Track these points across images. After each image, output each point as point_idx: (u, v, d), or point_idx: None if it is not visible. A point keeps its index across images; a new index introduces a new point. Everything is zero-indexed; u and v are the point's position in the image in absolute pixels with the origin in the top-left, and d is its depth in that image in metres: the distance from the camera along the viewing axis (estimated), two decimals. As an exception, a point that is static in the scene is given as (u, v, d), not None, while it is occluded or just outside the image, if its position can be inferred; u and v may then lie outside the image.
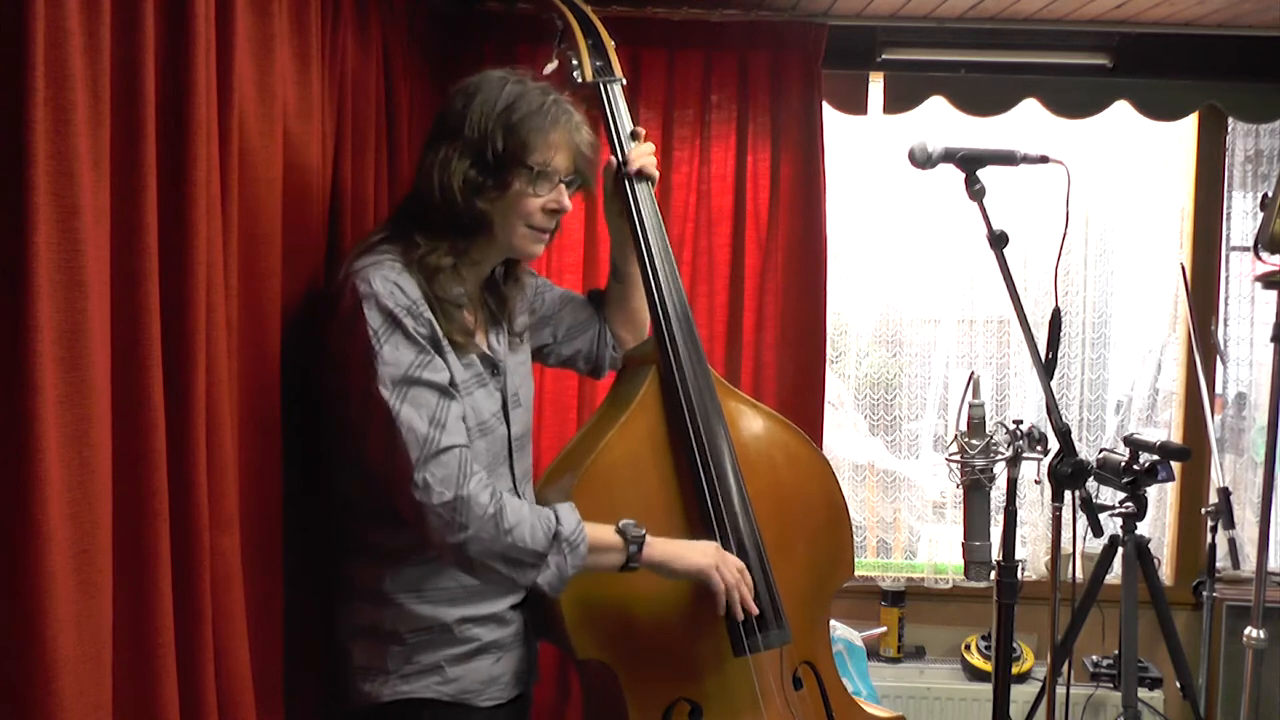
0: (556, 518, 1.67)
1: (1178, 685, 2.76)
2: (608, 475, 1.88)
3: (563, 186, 1.76)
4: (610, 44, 2.05)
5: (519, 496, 1.83)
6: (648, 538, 1.74)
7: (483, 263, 1.81)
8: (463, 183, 1.69)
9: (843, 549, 2.13)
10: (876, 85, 3.14)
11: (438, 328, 1.66)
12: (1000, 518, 2.11)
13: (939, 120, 3.13)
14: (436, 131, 1.76)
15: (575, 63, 2.02)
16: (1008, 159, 2.07)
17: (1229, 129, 3.30)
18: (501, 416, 1.80)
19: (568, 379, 2.95)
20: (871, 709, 2.16)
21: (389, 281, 1.63)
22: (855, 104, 3.13)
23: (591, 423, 2.04)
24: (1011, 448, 2.10)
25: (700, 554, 1.80)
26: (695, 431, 1.90)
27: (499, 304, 1.87)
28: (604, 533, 1.72)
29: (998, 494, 2.13)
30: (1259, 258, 2.16)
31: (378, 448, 1.63)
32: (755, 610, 1.85)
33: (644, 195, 1.99)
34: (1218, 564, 2.95)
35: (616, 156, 2.00)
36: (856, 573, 3.33)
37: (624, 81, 2.05)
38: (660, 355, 1.95)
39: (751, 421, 2.05)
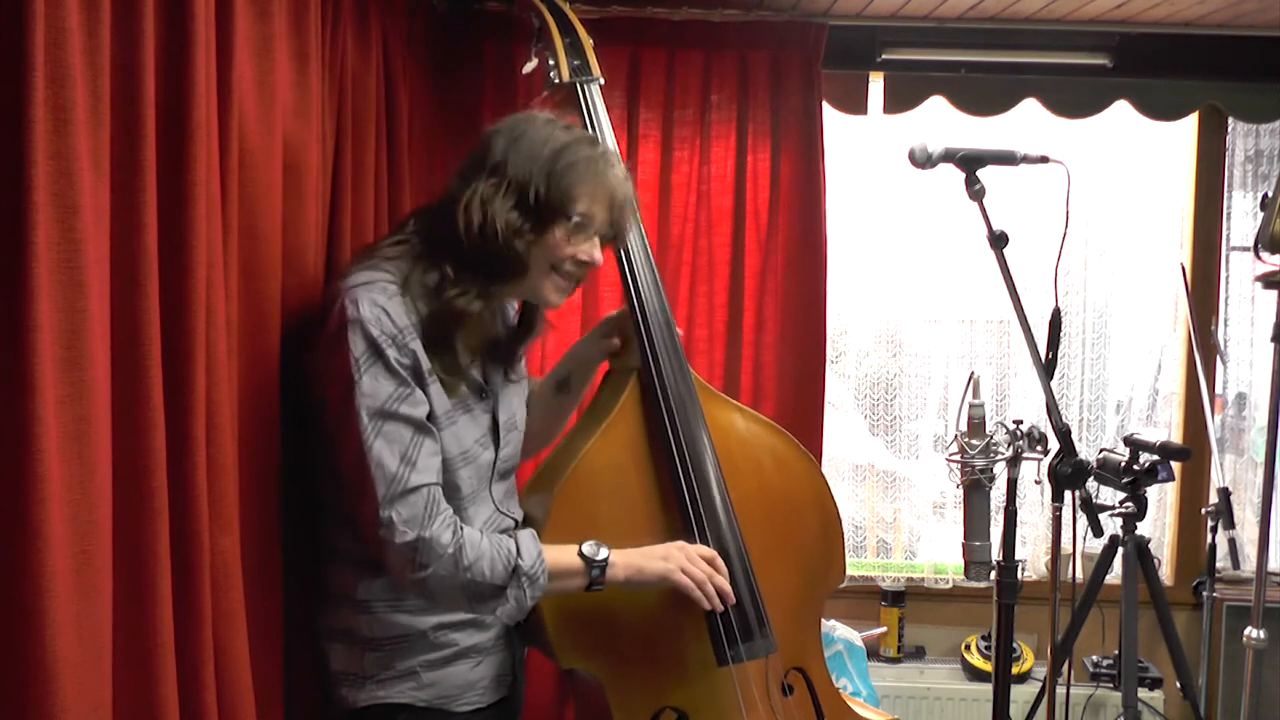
0: (517, 550, 1.66)
1: (1178, 685, 2.76)
2: (589, 484, 1.86)
3: (596, 240, 1.73)
4: (589, 43, 2.03)
5: (506, 516, 1.82)
6: (610, 559, 1.72)
7: (505, 304, 1.80)
8: (505, 224, 1.64)
9: (834, 553, 2.11)
10: (876, 85, 3.14)
11: (421, 359, 1.63)
12: (1000, 518, 2.11)
13: (939, 120, 3.13)
14: (474, 166, 1.71)
15: (552, 62, 2.00)
16: (1008, 159, 2.07)
17: (1229, 129, 3.30)
18: (488, 441, 1.78)
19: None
20: (867, 711, 2.15)
21: (377, 307, 1.60)
22: (855, 104, 3.13)
23: (573, 432, 2.03)
24: (1011, 448, 2.10)
25: (659, 560, 1.77)
26: (676, 438, 1.89)
27: (503, 352, 1.84)
28: (566, 557, 1.71)
29: (998, 494, 2.13)
30: (1259, 258, 2.16)
31: (349, 473, 1.63)
32: (734, 599, 1.83)
33: None
34: (1218, 564, 2.96)
35: None
36: (857, 573, 3.37)
37: (602, 81, 2.03)
38: (641, 361, 1.93)
39: (737, 427, 2.03)
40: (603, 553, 1.72)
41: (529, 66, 2.05)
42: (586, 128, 1.98)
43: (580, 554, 1.71)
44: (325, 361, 1.64)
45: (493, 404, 1.80)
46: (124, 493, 1.20)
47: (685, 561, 1.78)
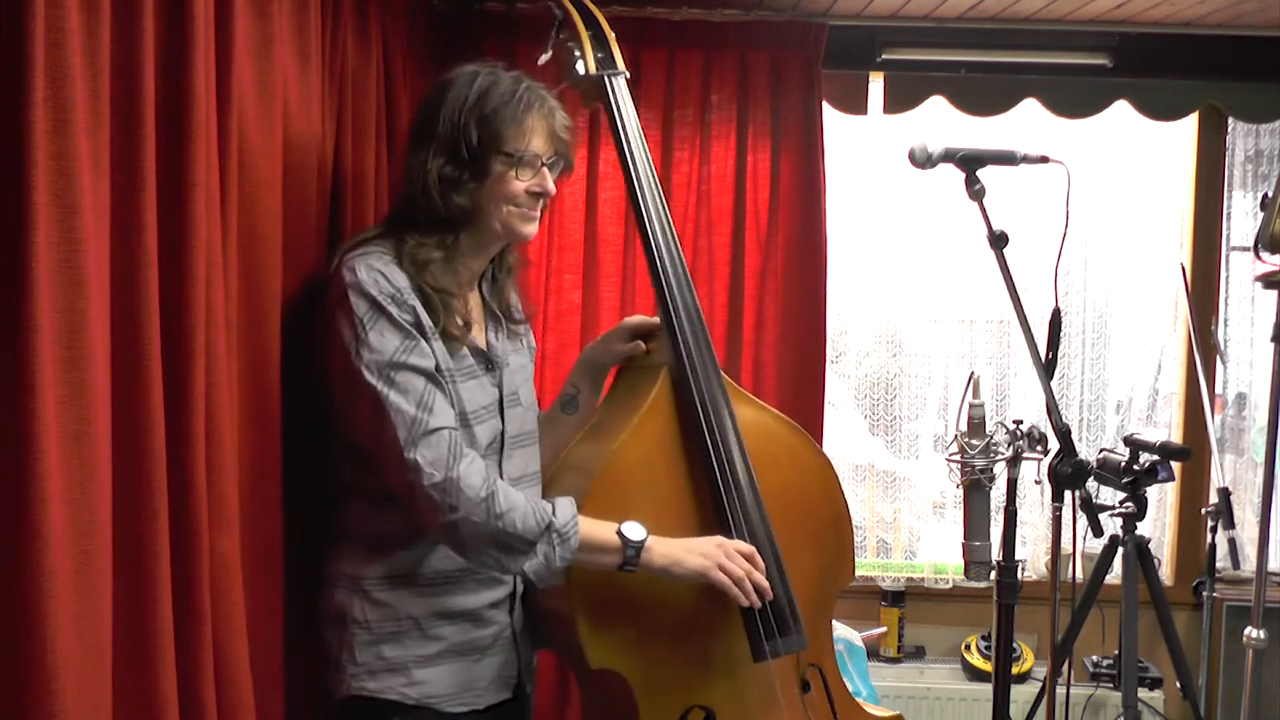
0: (553, 509, 1.68)
1: (1178, 685, 2.76)
2: (621, 479, 1.85)
3: (545, 170, 1.78)
4: (611, 35, 2.01)
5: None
6: (648, 543, 1.72)
7: (477, 255, 1.81)
8: (438, 180, 1.71)
9: (846, 550, 2.11)
10: (876, 85, 3.14)
11: (423, 316, 1.68)
12: (1000, 518, 2.11)
13: (939, 120, 3.13)
14: (414, 134, 1.78)
15: (577, 54, 1.97)
16: (1008, 159, 2.07)
17: (1229, 129, 3.30)
18: (495, 411, 1.80)
19: (568, 366, 2.92)
20: (871, 710, 2.15)
21: (374, 270, 1.66)
22: (855, 104, 3.13)
23: (598, 425, 2.00)
24: (1011, 448, 2.10)
25: (699, 556, 1.77)
26: (710, 433, 1.88)
27: (496, 298, 1.88)
28: (603, 532, 1.72)
29: (998, 494, 2.13)
30: (1259, 258, 2.16)
31: (366, 432, 1.66)
32: (771, 595, 1.83)
33: (650, 191, 1.96)
34: (1218, 564, 2.96)
35: (622, 150, 1.96)
36: (857, 572, 3.35)
37: (627, 74, 2.01)
38: (674, 357, 1.92)
39: (757, 422, 2.02)
40: (640, 534, 1.72)
41: (544, 58, 2.03)
42: (613, 121, 1.97)
43: (618, 532, 1.72)
44: (328, 330, 1.68)
45: (499, 376, 1.82)
46: (123, 492, 1.20)
47: (723, 558, 1.78)
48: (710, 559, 1.78)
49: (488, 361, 1.80)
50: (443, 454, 1.62)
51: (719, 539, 1.82)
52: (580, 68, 1.97)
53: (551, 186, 1.79)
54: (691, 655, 1.88)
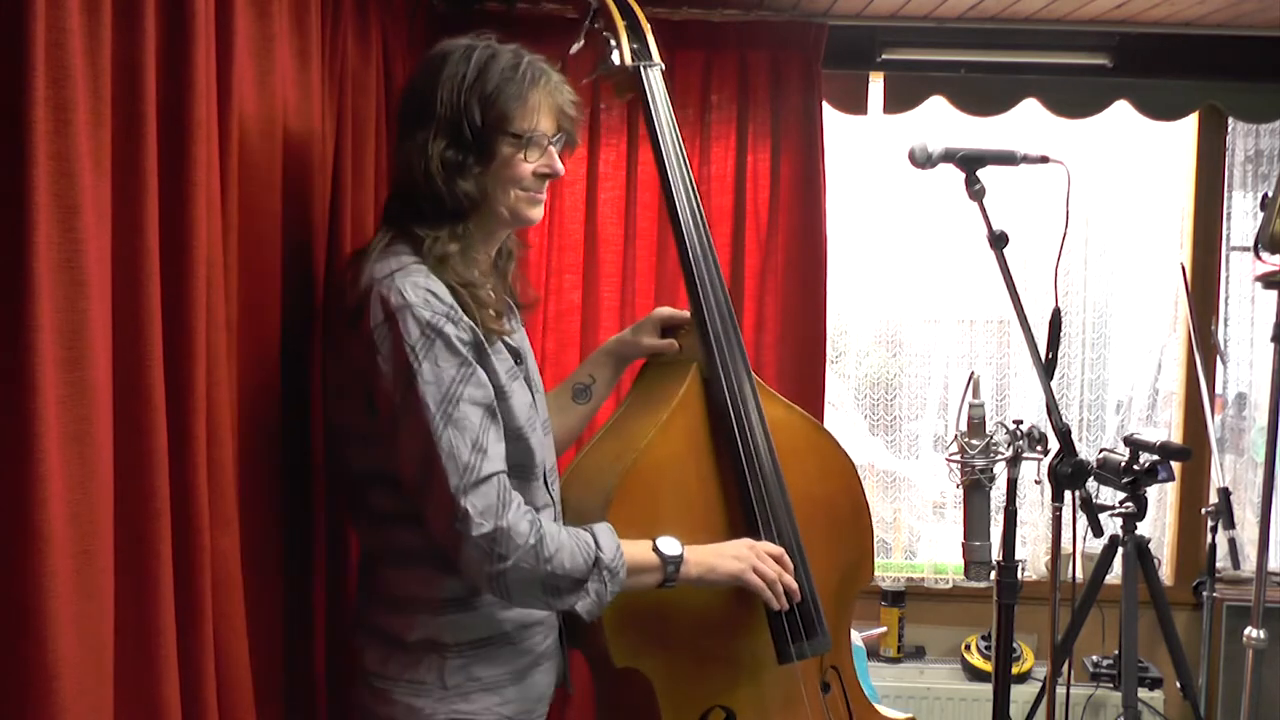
0: (596, 543, 1.60)
1: (1178, 685, 2.76)
2: (650, 477, 1.82)
3: (552, 149, 1.67)
4: (647, 26, 1.98)
5: (547, 489, 1.75)
6: (684, 555, 1.68)
7: (488, 242, 1.71)
8: (441, 165, 1.59)
9: (866, 549, 2.10)
10: (876, 85, 3.14)
11: (478, 330, 1.58)
12: (1000, 518, 2.11)
13: (939, 120, 3.13)
14: (408, 115, 1.66)
15: (612, 44, 1.94)
16: (1008, 159, 2.07)
17: (1229, 129, 3.30)
18: (535, 407, 1.72)
19: (569, 366, 2.93)
20: (885, 709, 2.16)
21: (421, 289, 1.53)
22: (855, 104, 3.13)
23: (623, 420, 1.97)
24: (1011, 448, 2.10)
25: (732, 560, 1.74)
26: (741, 432, 1.85)
27: (501, 284, 1.79)
28: (642, 553, 1.66)
29: (998, 494, 2.13)
30: (1259, 258, 2.16)
31: (412, 468, 1.54)
32: (799, 597, 1.81)
33: (684, 186, 1.94)
34: (1218, 564, 2.96)
35: (657, 145, 1.93)
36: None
37: (663, 66, 1.98)
38: (704, 353, 1.90)
39: (785, 421, 1.99)
40: (677, 549, 1.68)
41: (576, 47, 1.99)
42: (648, 114, 1.93)
43: (655, 549, 1.67)
44: (370, 357, 1.54)
45: (526, 368, 1.74)
46: (125, 492, 1.20)
47: (756, 560, 1.76)
48: (744, 561, 1.75)
49: (517, 354, 1.72)
50: (492, 502, 1.52)
51: (749, 541, 1.79)
52: (615, 58, 1.94)
53: (560, 167, 1.69)
54: (715, 655, 1.87)
